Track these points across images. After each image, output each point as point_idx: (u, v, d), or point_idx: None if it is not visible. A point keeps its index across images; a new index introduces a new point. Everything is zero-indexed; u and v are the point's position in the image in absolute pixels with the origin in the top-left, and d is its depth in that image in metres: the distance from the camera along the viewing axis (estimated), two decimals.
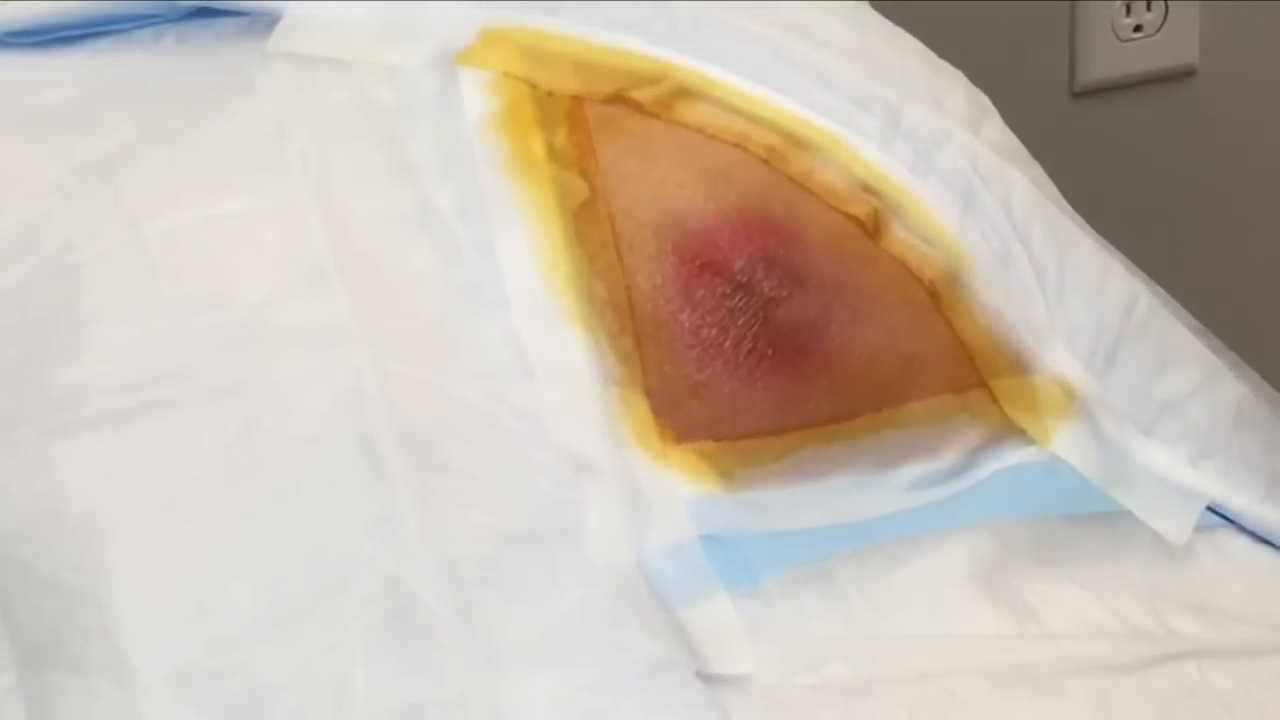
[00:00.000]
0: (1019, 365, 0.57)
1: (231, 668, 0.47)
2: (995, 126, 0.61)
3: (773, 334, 0.55)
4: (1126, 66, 1.08)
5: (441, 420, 0.52)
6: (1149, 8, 1.07)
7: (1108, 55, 1.08)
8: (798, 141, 0.57)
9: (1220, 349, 0.62)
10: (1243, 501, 0.58)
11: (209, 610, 0.48)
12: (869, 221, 0.56)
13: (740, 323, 0.55)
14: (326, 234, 0.54)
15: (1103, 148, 1.09)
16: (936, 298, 0.57)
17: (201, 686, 0.47)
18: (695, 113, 0.57)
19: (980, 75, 0.63)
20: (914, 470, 0.56)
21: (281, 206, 0.54)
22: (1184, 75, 1.10)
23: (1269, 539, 0.58)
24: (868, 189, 0.57)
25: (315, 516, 0.50)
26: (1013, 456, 0.57)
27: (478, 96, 0.56)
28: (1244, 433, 0.59)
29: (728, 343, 0.54)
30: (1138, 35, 1.08)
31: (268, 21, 0.58)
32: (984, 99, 0.62)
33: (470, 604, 0.49)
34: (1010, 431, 0.57)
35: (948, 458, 0.56)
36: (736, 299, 0.55)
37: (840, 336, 0.55)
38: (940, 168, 0.58)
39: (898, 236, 0.57)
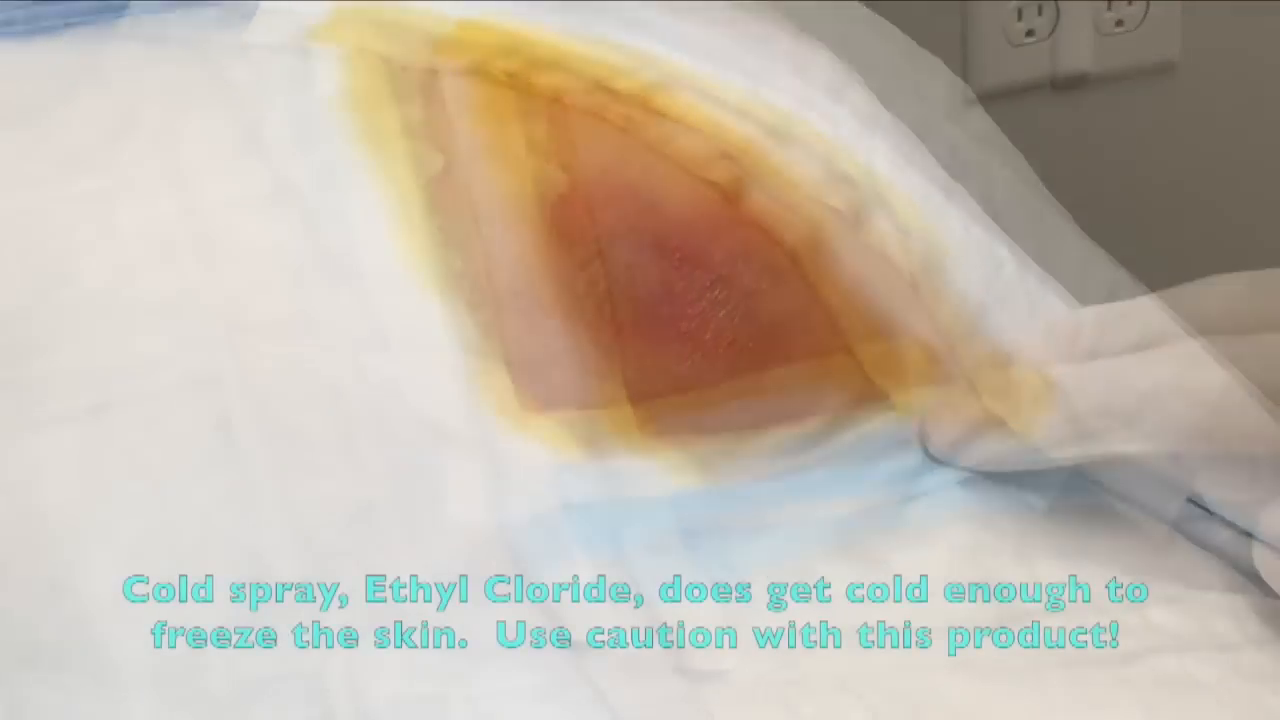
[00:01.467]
0: (883, 330, 0.57)
1: (85, 645, 0.47)
2: (859, 96, 0.61)
3: (632, 301, 0.54)
4: (1108, 61, 1.09)
5: (297, 392, 0.51)
6: (1040, 12, 1.08)
7: (1000, 62, 1.09)
8: (657, 110, 0.56)
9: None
10: (1222, 494, 0.57)
11: (62, 589, 0.47)
12: (729, 187, 0.56)
13: (599, 290, 0.54)
14: (178, 211, 0.53)
15: (1084, 142, 1.10)
16: (799, 262, 0.56)
17: (56, 666, 0.46)
18: (552, 82, 0.57)
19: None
20: (778, 436, 0.56)
21: (132, 185, 0.54)
22: (1077, 80, 1.11)
23: (1249, 530, 0.57)
24: (727, 155, 0.57)
25: (168, 490, 0.49)
26: (876, 421, 0.57)
27: (331, 72, 0.56)
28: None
29: (587, 311, 0.54)
30: (1119, 30, 1.09)
31: (119, 5, 0.57)
32: (848, 68, 0.62)
33: (326, 574, 0.48)
34: (874, 397, 0.57)
35: (811, 423, 0.56)
36: (595, 267, 0.54)
37: (701, 303, 0.55)
38: (799, 134, 0.57)
39: (758, 202, 0.57)
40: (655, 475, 0.54)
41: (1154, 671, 0.52)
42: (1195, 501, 0.58)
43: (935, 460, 0.57)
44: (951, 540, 0.56)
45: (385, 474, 0.51)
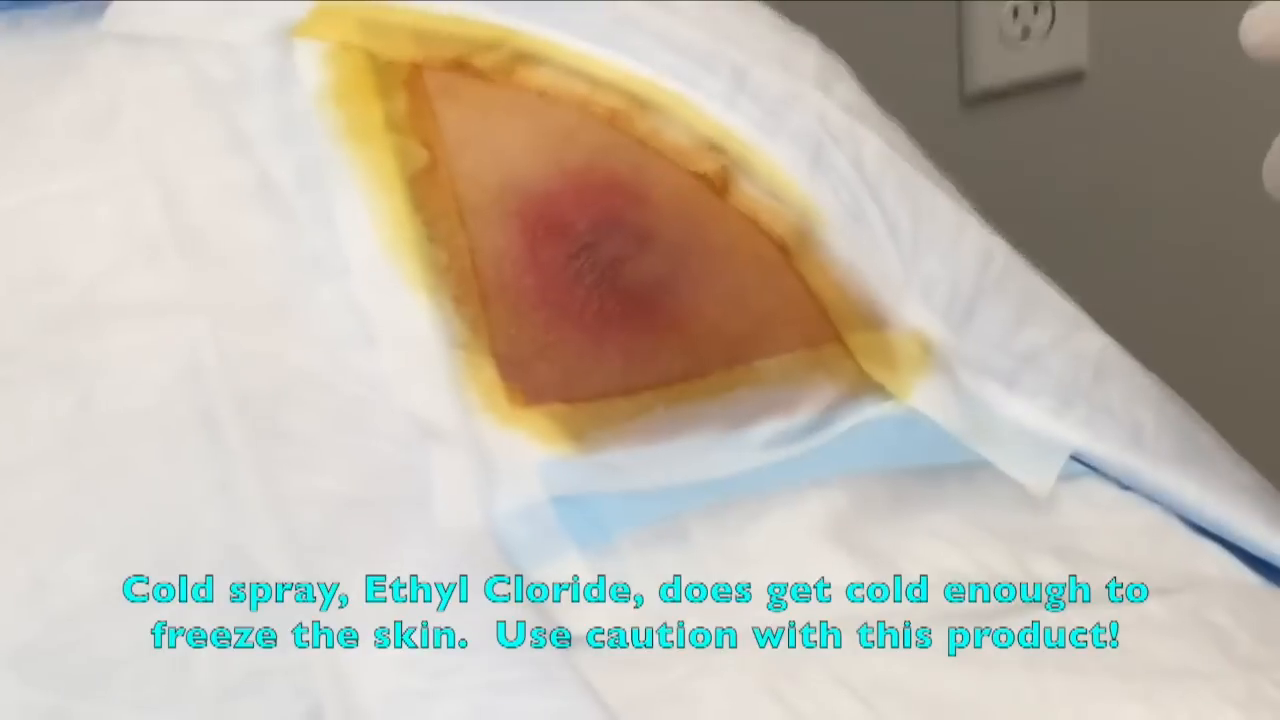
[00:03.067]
0: (874, 320, 0.57)
1: (71, 643, 0.46)
2: (847, 87, 0.61)
3: (620, 294, 0.54)
4: (1016, 71, 1.09)
5: (282, 388, 0.51)
6: (1035, 10, 1.08)
7: (996, 60, 1.08)
8: (642, 102, 0.57)
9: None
10: (1106, 450, 0.58)
11: (48, 586, 0.47)
12: (717, 179, 0.56)
13: (587, 283, 0.54)
14: (161, 209, 0.53)
15: (994, 153, 1.09)
16: (787, 253, 0.56)
17: (42, 664, 0.46)
18: (537, 77, 0.57)
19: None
20: (769, 428, 0.56)
21: (114, 184, 0.54)
22: (1073, 78, 1.10)
23: (1133, 487, 0.57)
24: (714, 147, 0.57)
25: (154, 488, 0.49)
26: (870, 411, 0.56)
27: (314, 68, 0.56)
28: (1106, 383, 0.59)
29: (575, 304, 0.54)
30: (1026, 40, 1.08)
31: (101, 4, 0.57)
32: (836, 62, 0.62)
33: (312, 569, 0.48)
34: (867, 387, 0.57)
35: (803, 414, 0.56)
36: (582, 260, 0.54)
37: (689, 294, 0.55)
38: (789, 126, 0.58)
39: (746, 193, 0.57)
40: (644, 469, 0.54)
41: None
42: (1079, 459, 0.58)
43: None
44: (828, 502, 0.55)
45: (372, 470, 0.51)
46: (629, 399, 0.54)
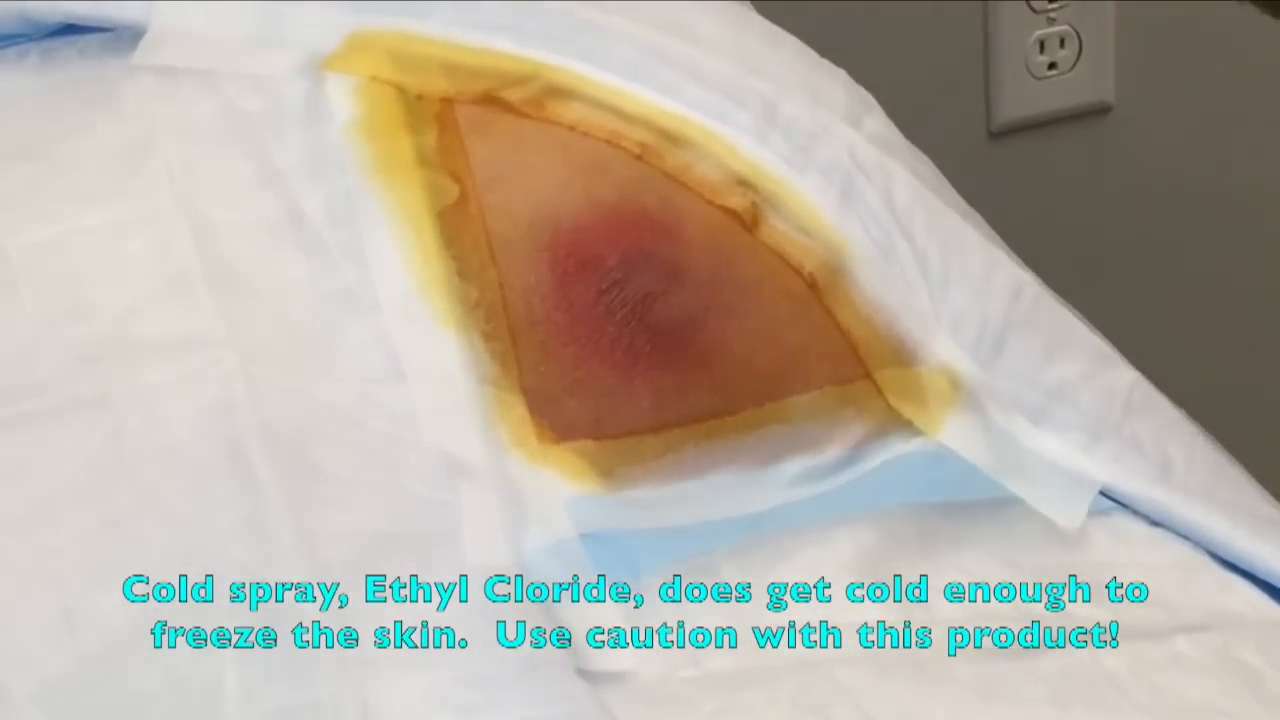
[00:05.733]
0: (903, 356, 0.57)
1: (101, 679, 0.46)
2: (877, 120, 0.61)
3: (650, 330, 0.54)
4: (1042, 104, 1.08)
5: (311, 424, 0.51)
6: (1062, 44, 1.07)
7: (1023, 93, 1.08)
8: (672, 137, 0.57)
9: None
10: (1135, 486, 0.58)
11: (78, 623, 0.47)
12: (746, 214, 0.56)
13: (617, 319, 0.54)
14: (192, 243, 0.53)
15: (1020, 186, 1.09)
16: (817, 289, 0.56)
17: (71, 700, 0.46)
18: (567, 111, 0.57)
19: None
20: (797, 465, 0.55)
21: (146, 217, 0.54)
22: (1100, 112, 1.10)
23: (1163, 523, 0.57)
24: (744, 182, 0.56)
25: (184, 524, 0.49)
26: (898, 448, 0.56)
27: (345, 101, 0.56)
28: (1136, 418, 0.58)
29: (604, 340, 0.54)
30: (1052, 73, 1.08)
31: (133, 36, 0.57)
32: (866, 95, 0.62)
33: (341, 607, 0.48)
34: (896, 424, 0.57)
35: (832, 452, 0.56)
36: (612, 295, 0.54)
37: (719, 331, 0.55)
38: (818, 160, 0.58)
39: (776, 229, 0.56)
40: (673, 506, 0.54)
41: (1063, 662, 0.52)
42: (1108, 495, 0.58)
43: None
44: (856, 539, 0.55)
45: (401, 507, 0.51)
46: (658, 436, 0.54)
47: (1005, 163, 1.09)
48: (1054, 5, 1.07)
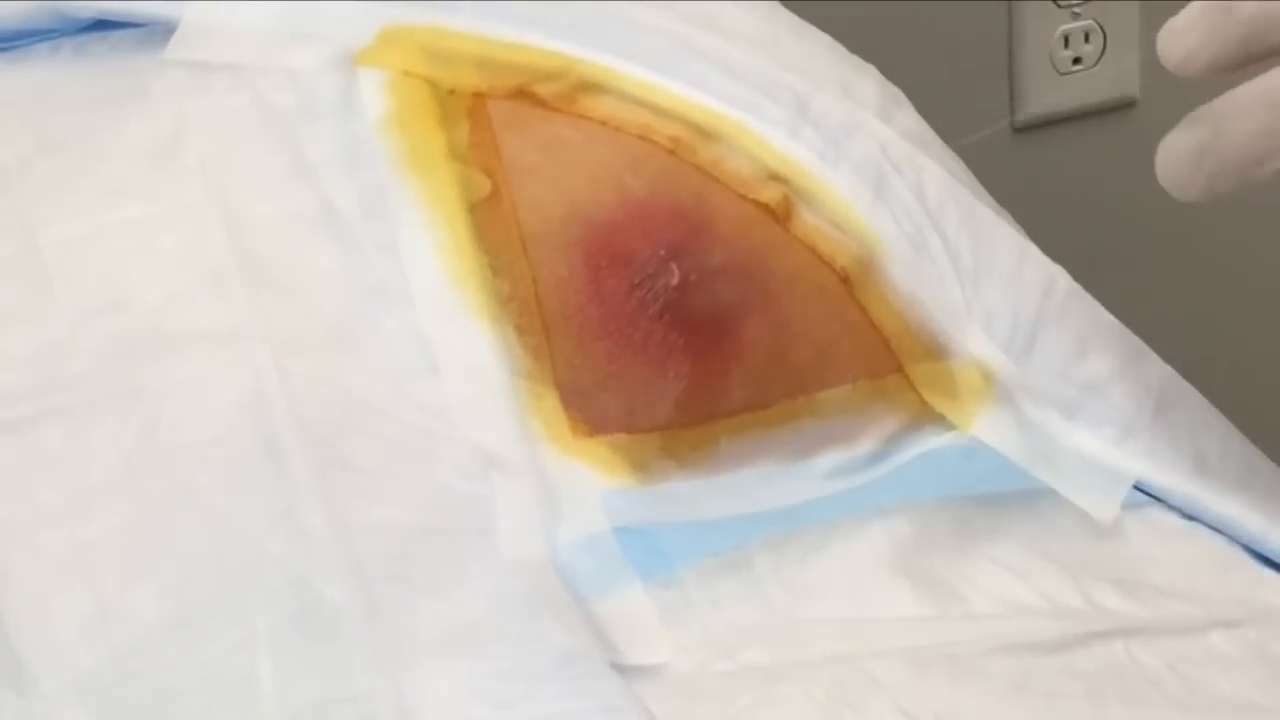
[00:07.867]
0: (936, 350, 0.57)
1: (135, 673, 0.46)
2: (908, 115, 0.61)
3: (683, 324, 0.54)
4: (1067, 100, 1.08)
5: (345, 417, 0.51)
6: (1087, 39, 1.07)
7: (1047, 89, 1.08)
8: (704, 131, 0.57)
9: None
10: (1169, 479, 0.57)
11: (111, 616, 0.47)
12: (779, 209, 0.56)
13: (650, 313, 0.54)
14: (225, 237, 0.53)
15: (1045, 181, 1.08)
16: (849, 283, 0.56)
17: (105, 694, 0.46)
18: (599, 106, 0.57)
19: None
20: (831, 459, 0.55)
21: (179, 211, 0.54)
22: (1125, 106, 1.10)
23: (1197, 516, 0.57)
24: (777, 177, 0.56)
25: (218, 517, 0.49)
26: (932, 442, 0.56)
27: (377, 96, 0.56)
28: (1169, 413, 0.58)
29: (637, 334, 0.54)
30: (1077, 68, 1.07)
31: (165, 31, 0.57)
32: (896, 90, 0.62)
33: (377, 599, 0.48)
34: (929, 417, 0.57)
35: (865, 445, 0.56)
36: (645, 290, 0.54)
37: (752, 325, 0.55)
38: (850, 155, 0.57)
39: (808, 223, 0.56)
40: (707, 499, 0.54)
41: (1099, 658, 0.52)
42: (1143, 489, 0.58)
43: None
44: (891, 532, 0.55)
45: (436, 500, 0.51)
46: (692, 429, 0.54)
47: (1030, 158, 1.08)
48: (1078, 0, 1.07)
